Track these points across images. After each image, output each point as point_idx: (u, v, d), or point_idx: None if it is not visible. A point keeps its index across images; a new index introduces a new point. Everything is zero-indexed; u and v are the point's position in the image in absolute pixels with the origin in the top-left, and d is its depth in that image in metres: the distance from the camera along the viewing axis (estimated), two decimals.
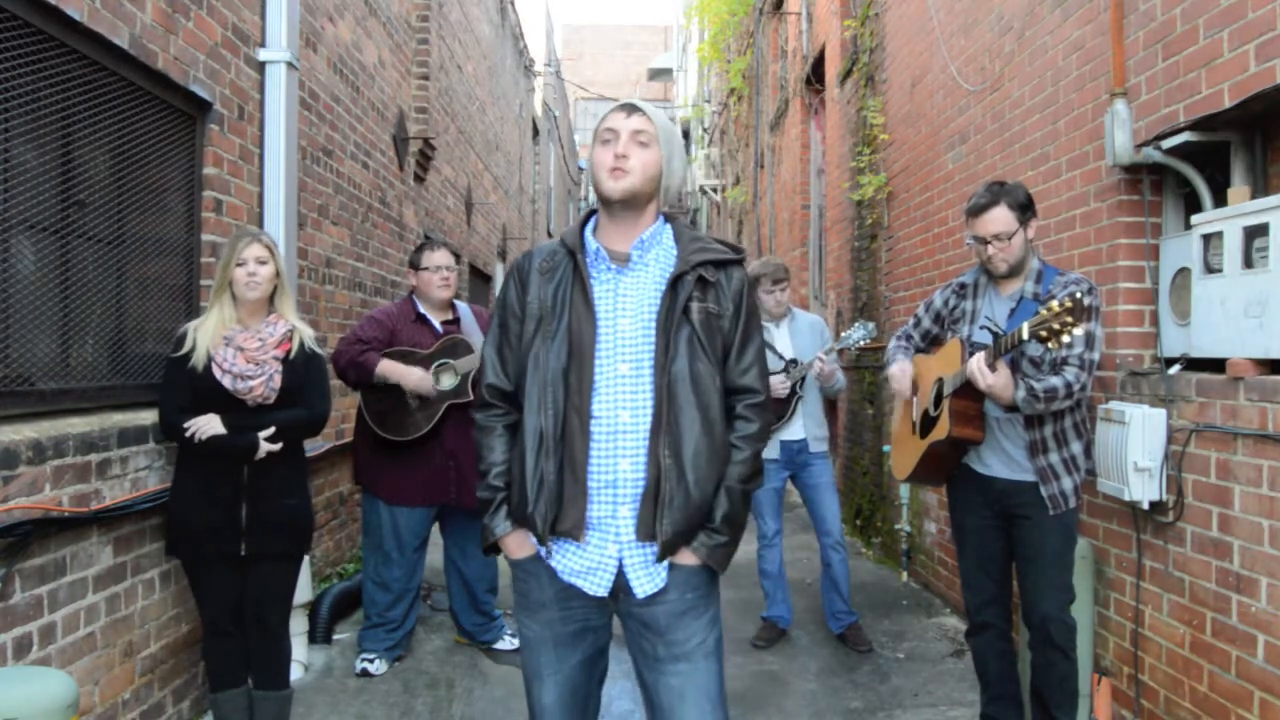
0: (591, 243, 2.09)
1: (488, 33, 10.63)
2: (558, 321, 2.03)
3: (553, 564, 2.05)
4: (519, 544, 2.08)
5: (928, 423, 3.14)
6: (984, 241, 2.95)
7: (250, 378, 2.96)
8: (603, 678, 2.21)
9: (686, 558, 2.02)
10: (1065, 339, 2.61)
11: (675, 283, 2.03)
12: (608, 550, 2.01)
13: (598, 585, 2.03)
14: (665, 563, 2.02)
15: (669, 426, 1.97)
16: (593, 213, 2.16)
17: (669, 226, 2.14)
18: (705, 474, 1.99)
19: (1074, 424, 2.99)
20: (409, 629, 4.17)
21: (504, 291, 2.15)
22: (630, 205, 2.06)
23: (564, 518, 1.99)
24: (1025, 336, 2.68)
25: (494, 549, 2.13)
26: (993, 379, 2.79)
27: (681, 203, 21.96)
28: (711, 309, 2.05)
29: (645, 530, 1.98)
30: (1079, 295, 2.62)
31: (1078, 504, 2.98)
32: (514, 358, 2.10)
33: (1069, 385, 2.81)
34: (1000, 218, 2.92)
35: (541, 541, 2.02)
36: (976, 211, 2.96)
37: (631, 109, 2.07)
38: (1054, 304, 2.62)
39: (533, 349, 2.04)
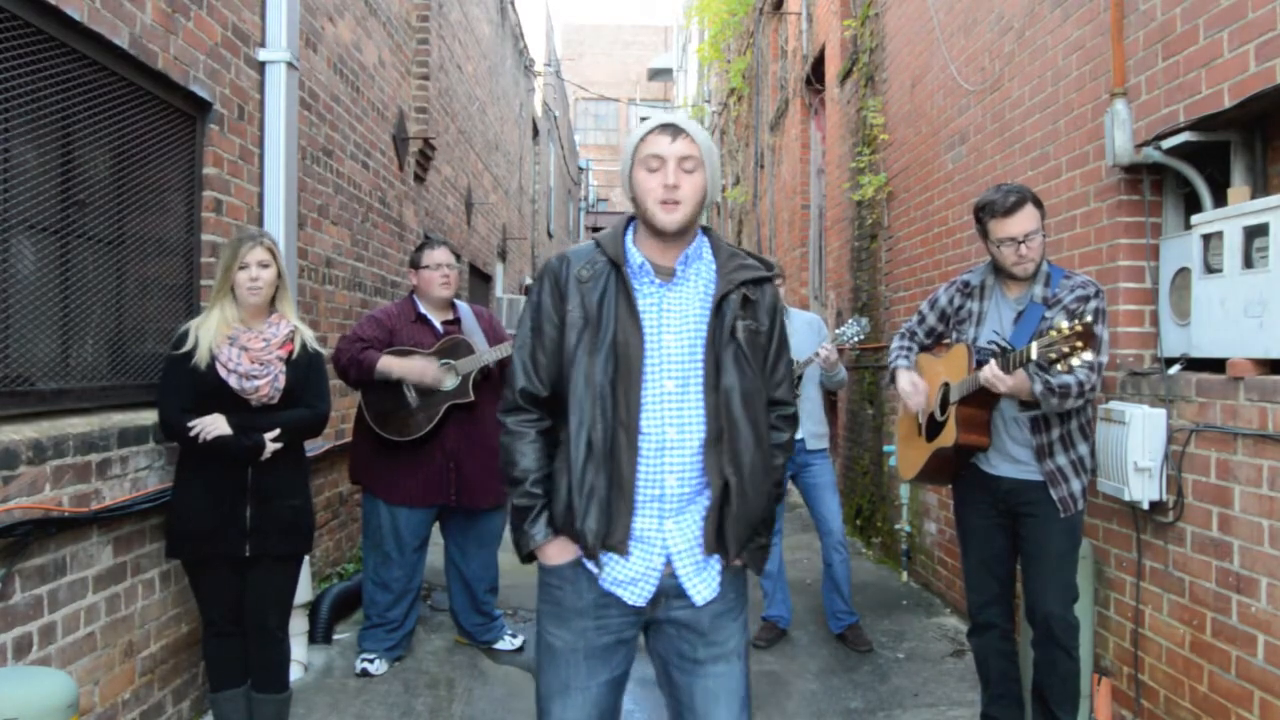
0: (636, 255, 2.07)
1: (488, 33, 10.62)
2: (603, 333, 2.01)
3: (595, 571, 2.04)
4: (560, 551, 2.05)
5: (933, 426, 3.13)
6: (1017, 242, 2.90)
7: (256, 377, 2.96)
8: (621, 704, 2.18)
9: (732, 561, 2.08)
10: (1075, 362, 2.57)
11: (721, 302, 2.04)
12: (651, 562, 2.02)
13: (639, 595, 2.03)
14: (718, 570, 2.06)
15: (730, 443, 2.00)
16: (631, 219, 2.14)
17: (707, 239, 2.13)
18: (761, 488, 2.05)
19: (1079, 426, 2.98)
20: (409, 629, 4.17)
21: (538, 295, 2.10)
22: (682, 234, 2.06)
23: (613, 531, 1.99)
24: (1034, 357, 2.65)
25: (531, 557, 2.09)
26: (1011, 382, 2.78)
27: None
28: (753, 326, 2.07)
29: (711, 544, 2.02)
30: (1090, 319, 2.57)
31: (1085, 504, 2.99)
32: (548, 363, 2.07)
33: (1080, 384, 2.81)
34: (1032, 214, 2.90)
35: (591, 555, 2.01)
36: (1010, 210, 2.88)
37: (676, 131, 2.02)
38: (1064, 326, 2.58)
39: (576, 359, 2.01)
